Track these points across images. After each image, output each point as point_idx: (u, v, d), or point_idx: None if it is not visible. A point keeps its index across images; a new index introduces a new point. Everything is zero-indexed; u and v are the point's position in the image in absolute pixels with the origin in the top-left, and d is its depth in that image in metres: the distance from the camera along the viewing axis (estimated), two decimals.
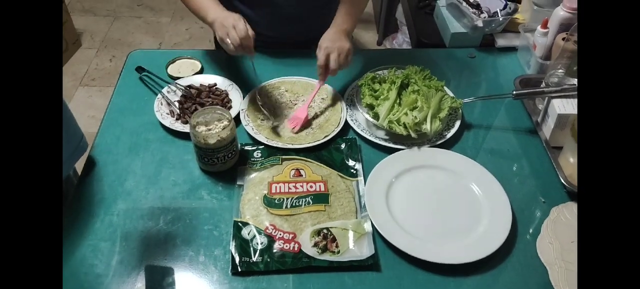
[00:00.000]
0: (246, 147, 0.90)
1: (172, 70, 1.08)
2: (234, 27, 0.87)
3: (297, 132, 0.93)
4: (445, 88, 1.01)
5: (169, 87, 1.02)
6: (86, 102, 2.22)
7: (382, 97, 0.94)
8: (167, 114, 0.96)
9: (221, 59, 1.13)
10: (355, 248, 0.73)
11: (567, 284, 0.70)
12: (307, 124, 0.95)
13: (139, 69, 1.07)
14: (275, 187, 0.82)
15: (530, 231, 0.79)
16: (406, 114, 0.90)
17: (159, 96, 0.99)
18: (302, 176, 0.84)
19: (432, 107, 0.90)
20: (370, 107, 0.93)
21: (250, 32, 0.88)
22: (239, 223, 0.76)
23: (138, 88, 1.04)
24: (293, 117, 0.96)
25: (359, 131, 0.94)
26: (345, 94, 1.02)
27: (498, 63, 1.16)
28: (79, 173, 0.87)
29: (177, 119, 0.95)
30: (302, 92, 1.02)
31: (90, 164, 0.87)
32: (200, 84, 1.03)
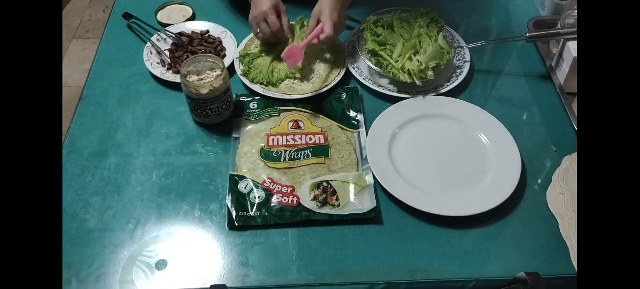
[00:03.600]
0: (242, 99, 0.85)
1: (162, 16, 1.02)
2: (264, 20, 0.86)
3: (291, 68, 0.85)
4: (450, 29, 0.95)
5: (159, 35, 0.96)
6: (80, 55, 2.16)
7: (386, 42, 0.88)
8: (158, 63, 0.91)
9: (214, 4, 1.06)
10: (356, 201, 0.71)
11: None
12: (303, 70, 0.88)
13: (127, 16, 1.01)
14: (273, 139, 0.78)
15: (539, 181, 0.75)
16: (410, 59, 0.84)
17: (149, 44, 0.94)
18: (301, 128, 0.80)
19: (434, 50, 0.84)
20: (373, 53, 0.88)
21: (285, 21, 0.87)
22: (236, 177, 0.73)
23: (127, 37, 0.99)
24: (289, 53, 0.84)
25: (361, 79, 0.88)
26: (347, 40, 0.96)
27: (511, 5, 1.08)
28: (69, 127, 0.83)
29: (168, 69, 0.90)
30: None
31: (79, 117, 0.83)
32: (192, 32, 0.97)
